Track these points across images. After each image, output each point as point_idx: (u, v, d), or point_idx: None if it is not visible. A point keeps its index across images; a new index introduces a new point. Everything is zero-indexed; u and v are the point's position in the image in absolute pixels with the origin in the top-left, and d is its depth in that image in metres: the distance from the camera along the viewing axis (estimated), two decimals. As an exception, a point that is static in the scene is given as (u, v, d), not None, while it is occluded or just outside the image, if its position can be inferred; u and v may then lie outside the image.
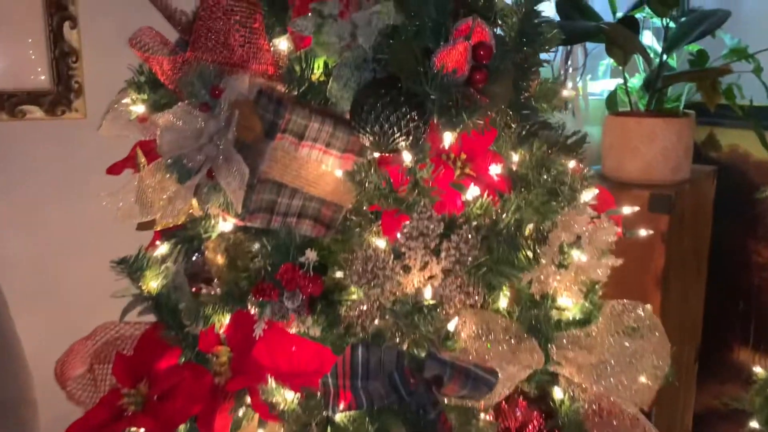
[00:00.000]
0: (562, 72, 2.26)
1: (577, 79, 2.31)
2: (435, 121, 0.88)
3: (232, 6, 0.87)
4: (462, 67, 0.86)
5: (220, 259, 0.95)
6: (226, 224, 0.94)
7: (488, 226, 0.94)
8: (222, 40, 0.88)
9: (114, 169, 1.21)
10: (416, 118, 0.86)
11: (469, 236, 0.90)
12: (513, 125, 1.04)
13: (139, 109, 1.02)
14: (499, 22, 1.12)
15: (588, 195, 1.07)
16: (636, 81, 2.19)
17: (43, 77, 1.85)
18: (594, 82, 2.39)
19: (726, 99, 2.02)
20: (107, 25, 1.84)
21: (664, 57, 2.00)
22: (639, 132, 1.96)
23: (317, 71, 0.90)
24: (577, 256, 1.10)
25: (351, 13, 0.84)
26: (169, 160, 0.87)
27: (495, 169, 1.08)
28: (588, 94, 2.34)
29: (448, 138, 0.92)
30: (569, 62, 2.27)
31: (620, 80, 2.11)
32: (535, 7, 1.05)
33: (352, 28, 0.83)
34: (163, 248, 1.11)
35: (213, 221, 0.93)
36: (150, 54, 1.00)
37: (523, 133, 1.01)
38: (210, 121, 0.87)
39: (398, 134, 0.85)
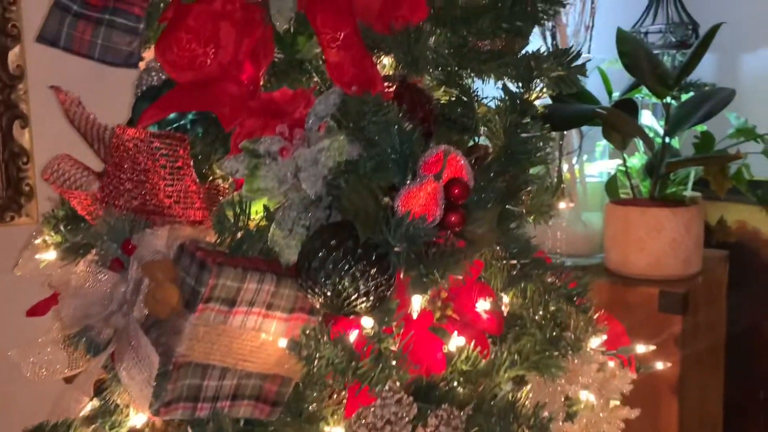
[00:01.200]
0: (556, 155, 2.11)
1: (573, 161, 2.16)
2: (402, 277, 0.71)
3: (152, 141, 0.70)
4: (432, 211, 0.70)
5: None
6: (138, 417, 0.76)
7: (476, 397, 0.76)
8: (141, 180, 0.72)
9: (37, 310, 1.03)
10: (377, 275, 0.69)
11: (452, 416, 0.71)
12: (502, 259, 0.87)
13: (50, 255, 0.85)
14: (483, 132, 0.97)
15: (596, 341, 0.89)
16: (636, 161, 2.04)
17: (-11, 181, 1.70)
18: (591, 163, 2.24)
19: (736, 183, 1.87)
20: (61, 124, 1.69)
21: (667, 140, 1.86)
22: (644, 223, 1.80)
23: (256, 215, 0.74)
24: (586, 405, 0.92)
25: (295, 148, 0.68)
26: (72, 332, 0.69)
27: (483, 305, 0.90)
28: (585, 177, 2.18)
29: (417, 301, 0.74)
30: (563, 144, 2.12)
31: (619, 161, 1.96)
32: (525, 118, 0.90)
33: (294, 168, 0.67)
34: (88, 407, 0.92)
35: (122, 414, 0.75)
36: (67, 187, 0.84)
37: (514, 272, 0.84)
38: (120, 283, 0.69)
39: (355, 296, 0.68)
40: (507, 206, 0.87)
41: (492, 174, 0.85)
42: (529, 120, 0.91)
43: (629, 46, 1.85)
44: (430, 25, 0.88)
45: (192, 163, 0.71)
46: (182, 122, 0.82)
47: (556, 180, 2.14)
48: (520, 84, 0.89)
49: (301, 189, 0.70)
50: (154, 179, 0.71)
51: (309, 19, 0.78)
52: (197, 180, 0.71)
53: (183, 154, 0.70)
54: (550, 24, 2.00)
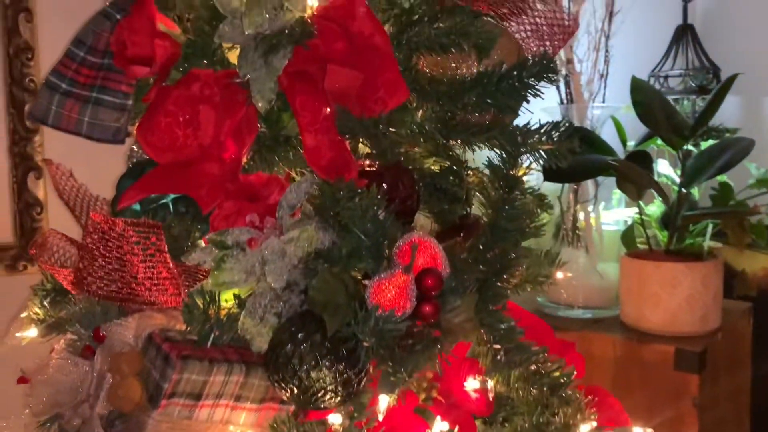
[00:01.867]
0: (570, 204, 2.07)
1: (589, 209, 2.11)
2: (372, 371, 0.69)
3: (125, 228, 0.70)
4: (403, 304, 0.68)
5: None
6: None
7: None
8: (113, 266, 0.72)
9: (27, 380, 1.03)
10: (346, 369, 0.67)
11: None
12: (486, 343, 0.84)
13: (31, 333, 0.86)
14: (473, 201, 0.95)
15: (586, 428, 0.85)
16: (655, 208, 1.99)
17: (4, 230, 1.73)
18: (608, 211, 2.19)
19: (755, 236, 1.81)
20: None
21: (684, 190, 1.81)
22: (659, 278, 1.74)
23: (227, 303, 0.73)
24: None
25: (265, 238, 0.67)
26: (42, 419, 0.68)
27: (472, 384, 0.88)
28: (602, 226, 2.13)
29: (384, 401, 0.72)
30: (579, 192, 2.08)
31: (636, 210, 1.92)
32: (512, 193, 0.88)
33: (262, 260, 0.66)
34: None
35: None
36: (54, 263, 0.85)
37: (498, 357, 0.81)
38: (89, 373, 0.69)
39: (322, 391, 0.66)
40: (493, 286, 0.84)
41: (476, 253, 0.83)
42: (518, 194, 0.89)
43: (643, 96, 1.82)
44: (413, 100, 0.87)
45: (166, 248, 0.71)
46: (164, 200, 0.82)
47: (570, 229, 2.10)
48: (508, 158, 0.87)
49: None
50: (126, 265, 0.70)
51: (288, 100, 0.78)
52: (171, 266, 0.71)
53: (156, 241, 0.70)
54: (563, 73, 1.99)
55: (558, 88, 1.93)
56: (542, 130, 0.91)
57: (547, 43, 0.99)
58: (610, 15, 1.89)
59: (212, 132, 0.78)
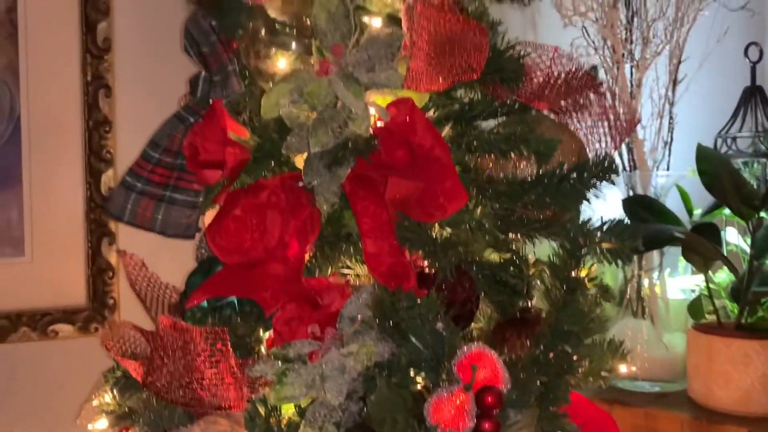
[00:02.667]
0: (634, 272, 2.02)
1: (654, 277, 2.06)
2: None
3: (192, 333, 0.73)
4: (462, 424, 0.68)
5: None
6: None
7: None
8: (179, 369, 0.74)
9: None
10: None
11: None
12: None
13: (102, 424, 0.89)
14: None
15: None
16: (723, 276, 1.93)
17: (78, 294, 1.81)
18: (673, 278, 2.13)
19: (835, 312, 1.72)
20: (144, 241, 1.80)
21: (755, 263, 1.74)
22: (729, 355, 1.68)
23: (287, 411, 0.74)
24: None
25: (326, 350, 0.68)
26: None
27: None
28: (667, 295, 2.07)
29: None
30: (643, 261, 2.03)
31: (703, 278, 1.86)
32: (574, 294, 0.88)
33: (321, 374, 0.67)
34: None
35: None
36: (124, 355, 0.88)
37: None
38: (156, 478, 0.71)
39: (381, 507, 0.66)
40: (554, 389, 0.83)
41: (537, 355, 0.82)
42: (579, 296, 0.88)
43: (710, 165, 1.78)
44: (472, 198, 0.88)
45: (232, 355, 0.73)
46: (230, 299, 0.85)
47: (634, 297, 2.05)
48: (569, 258, 0.87)
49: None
50: (192, 370, 0.73)
51: (350, 204, 0.81)
52: (236, 371, 0.73)
53: (222, 347, 0.73)
54: (626, 140, 1.96)
55: (620, 155, 1.90)
56: (604, 228, 0.90)
57: (609, 136, 0.99)
58: (674, 82, 1.87)
59: (278, 234, 0.81)
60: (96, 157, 1.79)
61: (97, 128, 1.78)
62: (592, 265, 0.90)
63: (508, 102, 0.95)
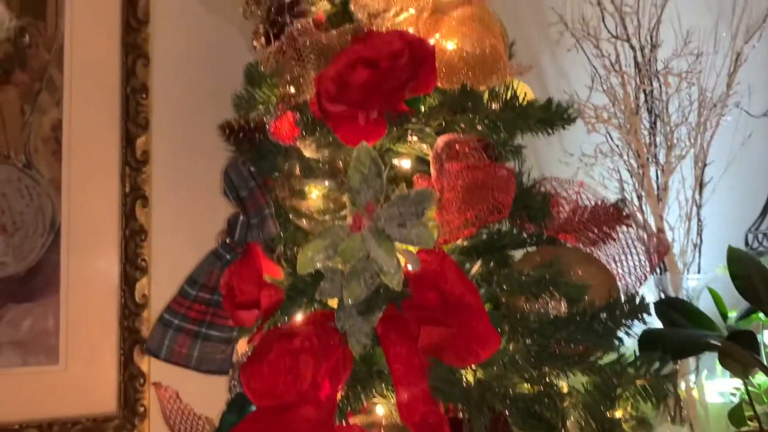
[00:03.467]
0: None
1: (691, 380, 2.01)
2: None
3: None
4: None
5: None
6: None
7: None
8: None
9: None
10: None
11: None
12: None
13: None
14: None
15: None
16: (763, 378, 1.87)
17: (109, 402, 1.82)
18: (712, 381, 2.07)
19: None
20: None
21: (795, 369, 1.70)
22: (775, 468, 1.61)
23: None
24: None
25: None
26: None
27: None
28: (706, 399, 2.01)
29: None
30: (679, 364, 1.99)
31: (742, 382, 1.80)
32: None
33: None
34: None
35: None
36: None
37: None
38: None
39: None
40: None
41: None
42: (615, 434, 0.87)
43: (742, 268, 1.76)
44: (505, 337, 0.89)
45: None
46: (263, 439, 0.86)
47: (672, 402, 1.99)
48: (603, 399, 0.86)
49: None
50: None
51: (383, 348, 0.82)
52: None
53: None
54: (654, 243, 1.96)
55: (650, 259, 1.89)
56: (638, 365, 0.90)
57: (639, 264, 0.99)
58: (701, 186, 1.88)
59: (310, 376, 0.82)
60: (131, 265, 1.83)
61: (133, 237, 1.83)
62: (628, 402, 0.89)
63: (536, 233, 0.97)
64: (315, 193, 0.94)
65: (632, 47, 1.95)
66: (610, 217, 0.95)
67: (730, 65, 1.90)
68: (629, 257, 0.97)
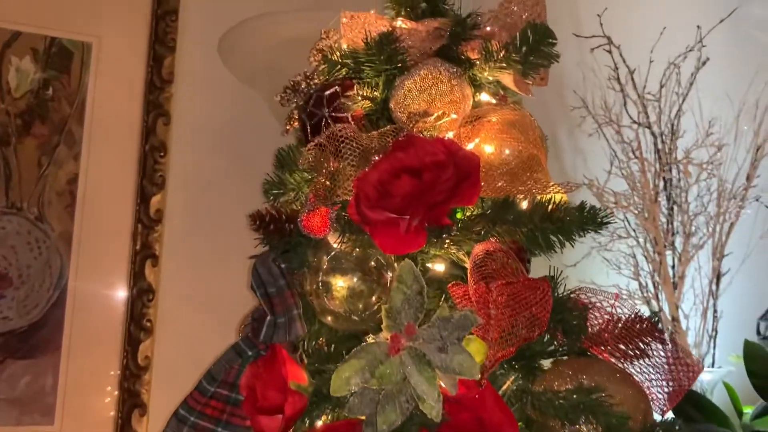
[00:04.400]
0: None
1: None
2: None
3: None
4: None
5: None
6: None
7: None
8: None
9: None
10: None
11: None
12: None
13: None
14: None
15: None
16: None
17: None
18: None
19: None
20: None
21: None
22: None
23: None
24: None
25: None
26: None
27: None
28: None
29: None
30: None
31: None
32: None
33: None
34: None
35: None
36: None
37: None
38: None
39: None
40: None
41: None
42: None
43: (759, 365, 1.72)
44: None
45: None
46: None
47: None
48: None
49: None
50: None
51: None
52: None
53: None
54: (668, 332, 1.93)
55: (665, 350, 1.86)
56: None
57: (673, 382, 0.96)
58: (718, 277, 1.86)
59: None
60: (136, 325, 1.80)
61: (140, 296, 1.80)
62: None
63: (568, 344, 0.94)
64: (342, 289, 0.91)
65: (653, 134, 1.96)
66: (645, 332, 0.93)
67: (751, 158, 1.90)
68: (661, 376, 0.94)
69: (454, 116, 0.90)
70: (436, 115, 0.89)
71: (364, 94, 0.93)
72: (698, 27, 1.89)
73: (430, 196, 0.78)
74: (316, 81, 1.06)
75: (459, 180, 0.78)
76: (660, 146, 1.92)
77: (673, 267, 1.94)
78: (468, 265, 0.84)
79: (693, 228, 1.91)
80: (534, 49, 0.94)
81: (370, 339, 0.86)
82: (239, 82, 1.81)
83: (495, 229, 0.84)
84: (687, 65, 1.96)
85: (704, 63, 1.92)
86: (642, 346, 0.94)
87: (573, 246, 0.91)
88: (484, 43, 0.92)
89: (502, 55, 0.91)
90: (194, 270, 1.83)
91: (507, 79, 0.96)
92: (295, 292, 0.88)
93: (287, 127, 1.10)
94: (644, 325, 0.94)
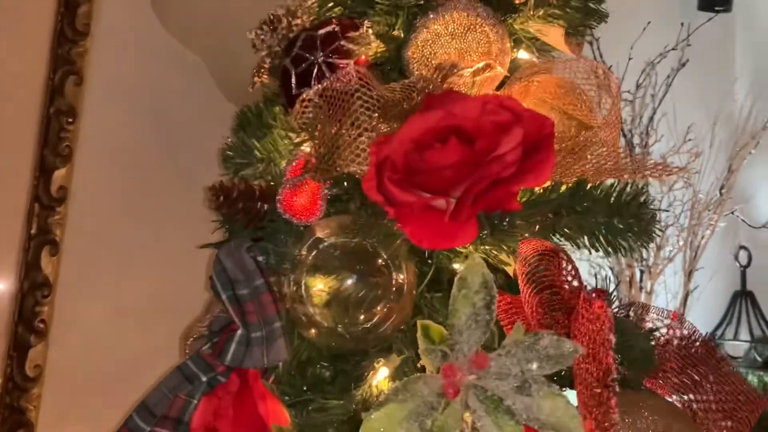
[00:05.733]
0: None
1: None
2: None
3: None
4: None
5: None
6: None
7: None
8: None
9: None
10: None
11: None
12: None
13: None
14: None
15: None
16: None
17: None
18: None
19: None
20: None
21: None
22: None
23: None
24: None
25: None
26: None
27: None
28: None
29: None
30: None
31: None
32: None
33: None
34: None
35: None
36: None
37: None
38: None
39: None
40: None
41: None
42: None
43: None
44: None
45: None
46: None
47: None
48: None
49: None
50: None
51: None
52: None
53: None
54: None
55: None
56: None
57: (733, 421, 0.79)
58: (686, 295, 1.76)
59: None
60: (26, 326, 1.46)
61: (32, 292, 1.47)
62: None
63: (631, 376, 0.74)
64: (332, 293, 0.68)
65: (624, 136, 1.83)
66: (705, 358, 0.75)
67: (727, 172, 1.81)
68: (722, 410, 0.76)
69: (500, 70, 0.68)
70: (475, 68, 0.67)
71: (381, 32, 0.70)
72: (682, 24, 1.78)
73: (486, 171, 0.56)
74: (299, 20, 0.81)
75: (527, 151, 0.56)
76: (634, 149, 1.79)
77: (640, 281, 1.82)
78: (517, 269, 0.63)
79: (664, 240, 1.79)
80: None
81: (380, 363, 0.62)
82: (175, 39, 1.51)
83: (561, 222, 0.63)
84: (664, 67, 1.85)
85: (684, 64, 1.81)
86: (701, 375, 0.76)
87: (648, 250, 0.71)
88: (538, -18, 0.72)
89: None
90: (103, 261, 1.50)
91: (555, 35, 0.75)
92: (276, 296, 0.63)
93: (254, 80, 0.85)
94: (704, 350, 0.76)
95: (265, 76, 0.85)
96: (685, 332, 0.79)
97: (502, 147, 0.55)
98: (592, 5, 0.77)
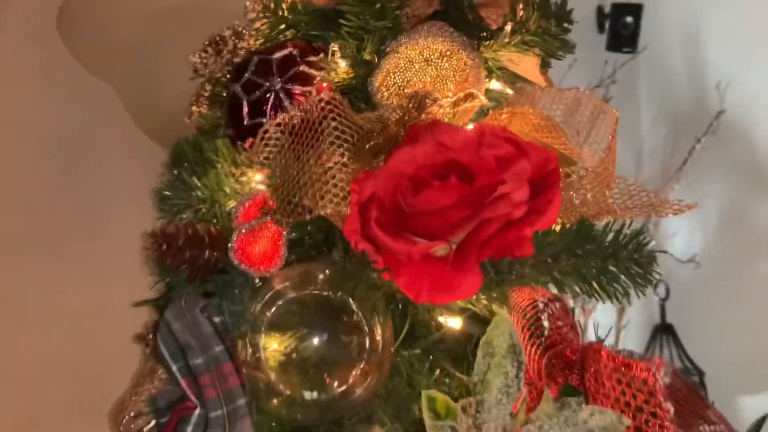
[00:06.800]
0: None
1: None
2: None
3: None
4: None
5: None
6: None
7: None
8: None
9: None
10: None
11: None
12: None
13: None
14: None
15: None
16: None
17: None
18: None
19: None
20: None
21: None
22: None
23: None
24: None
25: None
26: None
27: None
28: None
29: None
30: None
31: None
32: None
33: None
34: None
35: None
36: None
37: None
38: None
39: None
40: None
41: None
42: None
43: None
44: None
45: None
46: None
47: None
48: None
49: None
50: None
51: None
52: None
53: None
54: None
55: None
56: None
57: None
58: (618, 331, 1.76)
59: None
60: None
61: None
62: None
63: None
64: (295, 356, 0.58)
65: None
66: (692, 405, 0.70)
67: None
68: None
69: (483, 100, 0.62)
70: (456, 98, 0.60)
71: (349, 56, 0.61)
72: (606, 62, 1.81)
73: (493, 211, 0.48)
74: (246, 44, 0.72)
75: (534, 190, 0.50)
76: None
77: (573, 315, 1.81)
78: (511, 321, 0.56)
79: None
80: (558, 25, 0.70)
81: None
82: (82, 67, 1.37)
83: (557, 267, 0.56)
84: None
85: (608, 101, 1.83)
86: (687, 422, 0.71)
87: (644, 295, 0.66)
88: (512, 6, 0.66)
89: (534, 26, 0.66)
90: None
91: (528, 64, 0.70)
92: (239, 365, 0.52)
93: (192, 109, 0.75)
94: (691, 395, 0.71)
95: (205, 106, 0.75)
96: (674, 380, 0.74)
97: (507, 184, 0.48)
98: (562, 36, 0.72)
